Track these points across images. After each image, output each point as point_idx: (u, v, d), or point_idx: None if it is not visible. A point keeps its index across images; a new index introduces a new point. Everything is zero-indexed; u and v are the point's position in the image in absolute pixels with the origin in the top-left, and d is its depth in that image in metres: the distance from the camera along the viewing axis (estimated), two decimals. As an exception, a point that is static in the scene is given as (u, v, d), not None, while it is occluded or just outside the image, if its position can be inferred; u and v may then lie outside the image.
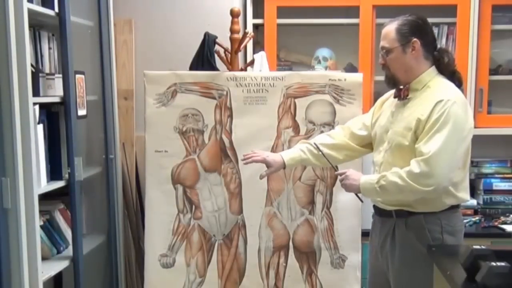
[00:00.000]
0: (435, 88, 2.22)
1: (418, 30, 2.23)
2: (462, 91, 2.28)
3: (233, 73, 2.74)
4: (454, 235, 2.24)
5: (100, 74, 2.95)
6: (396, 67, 2.27)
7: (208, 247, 2.76)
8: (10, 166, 2.12)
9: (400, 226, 2.28)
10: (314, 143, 2.46)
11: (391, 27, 2.25)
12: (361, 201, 2.42)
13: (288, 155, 2.47)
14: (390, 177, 2.17)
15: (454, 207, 2.26)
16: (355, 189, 2.30)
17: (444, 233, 2.23)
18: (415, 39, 2.21)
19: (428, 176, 2.10)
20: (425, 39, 2.23)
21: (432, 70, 2.26)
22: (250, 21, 3.27)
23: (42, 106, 2.37)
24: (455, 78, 2.27)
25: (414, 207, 2.24)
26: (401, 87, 2.29)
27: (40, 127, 2.34)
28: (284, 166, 2.47)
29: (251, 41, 3.09)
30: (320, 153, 2.43)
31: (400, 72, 2.27)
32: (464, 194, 2.26)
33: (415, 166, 2.12)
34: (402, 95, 2.28)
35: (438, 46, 2.33)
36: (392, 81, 2.31)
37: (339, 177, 2.36)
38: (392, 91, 2.37)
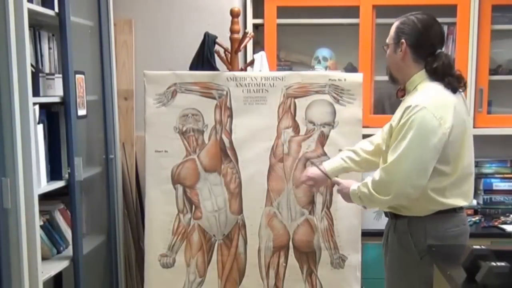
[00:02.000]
0: (417, 92, 2.20)
1: (411, 32, 2.20)
2: (460, 93, 2.25)
3: (233, 73, 2.74)
4: (442, 240, 2.19)
5: (100, 74, 2.95)
6: (389, 64, 2.33)
7: (208, 247, 2.76)
8: (10, 166, 2.12)
9: (392, 228, 2.31)
10: (311, 161, 2.58)
11: (394, 24, 2.28)
12: (364, 207, 2.44)
13: (329, 165, 2.50)
14: (361, 188, 2.22)
15: (445, 212, 2.21)
16: (348, 198, 2.34)
17: (428, 238, 2.19)
18: (403, 40, 2.21)
19: (386, 184, 2.12)
20: (417, 42, 2.20)
21: (423, 73, 2.22)
22: (250, 21, 3.27)
23: (42, 106, 2.38)
24: (449, 83, 2.19)
25: (400, 210, 2.25)
26: (400, 86, 2.33)
27: (40, 127, 2.34)
28: (329, 177, 2.50)
29: (251, 41, 3.09)
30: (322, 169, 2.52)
31: (393, 70, 2.32)
32: (455, 200, 2.20)
33: (376, 174, 2.16)
34: (398, 95, 2.33)
35: (440, 50, 2.26)
36: (390, 77, 2.37)
37: (336, 187, 2.41)
38: None
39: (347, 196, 2.34)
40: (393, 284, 2.34)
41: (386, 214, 2.38)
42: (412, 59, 2.22)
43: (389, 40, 2.28)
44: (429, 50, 2.22)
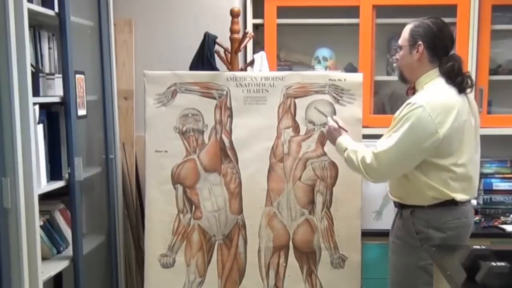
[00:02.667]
0: (423, 91, 2.30)
1: (427, 34, 2.29)
2: (466, 94, 2.30)
3: (233, 73, 2.74)
4: (443, 232, 2.29)
5: (100, 74, 2.95)
6: (402, 65, 2.41)
7: (208, 247, 2.76)
8: (10, 166, 2.12)
9: (398, 215, 2.43)
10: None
11: (408, 26, 2.36)
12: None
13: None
14: (351, 153, 2.33)
15: (446, 204, 2.29)
16: (332, 140, 2.48)
17: (429, 228, 2.29)
18: (420, 42, 2.29)
19: (373, 169, 2.26)
20: (433, 44, 2.29)
21: (432, 73, 2.31)
22: (250, 21, 3.27)
23: (42, 106, 2.38)
24: (459, 83, 2.28)
25: (405, 199, 2.37)
26: (410, 85, 2.42)
27: (40, 127, 2.34)
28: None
29: (251, 41, 3.09)
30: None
31: (406, 70, 2.40)
32: (454, 193, 2.28)
33: (368, 156, 2.26)
34: (408, 93, 2.41)
35: (452, 52, 2.34)
36: (401, 77, 2.46)
37: (328, 124, 2.52)
38: None
39: (332, 140, 2.47)
40: (395, 266, 2.44)
41: (395, 204, 2.47)
42: (428, 60, 2.31)
43: (402, 42, 2.36)
44: (443, 51, 2.31)
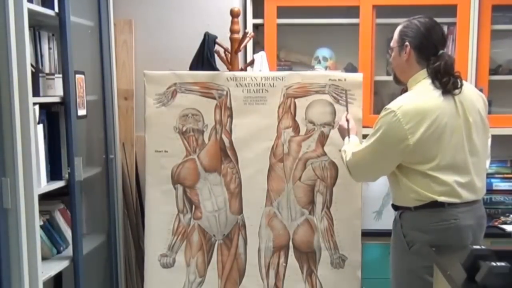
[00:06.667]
0: (405, 94, 2.30)
1: (415, 35, 2.27)
2: (453, 95, 2.23)
3: (233, 73, 2.74)
4: (427, 233, 2.24)
5: (100, 74, 2.96)
6: (393, 65, 2.41)
7: (208, 247, 2.76)
8: (10, 166, 2.12)
9: (393, 219, 2.43)
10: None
11: (398, 28, 2.34)
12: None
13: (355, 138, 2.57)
14: (342, 153, 2.41)
15: (433, 206, 2.23)
16: (342, 136, 2.55)
17: (414, 230, 2.27)
18: (407, 43, 2.27)
19: (350, 167, 2.34)
20: (421, 44, 2.26)
21: (420, 74, 2.28)
22: (250, 21, 3.27)
23: (42, 106, 2.38)
24: (443, 84, 2.22)
25: (395, 201, 2.38)
26: (404, 87, 2.40)
27: (40, 127, 2.34)
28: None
29: (251, 41, 3.10)
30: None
31: (397, 71, 2.40)
32: (438, 197, 2.21)
33: (349, 155, 2.34)
34: (401, 95, 2.35)
35: (442, 51, 2.28)
36: (394, 78, 2.45)
37: (346, 116, 2.55)
38: None
39: (342, 133, 2.54)
40: (391, 271, 2.43)
41: (392, 206, 2.46)
42: (416, 60, 2.28)
43: (393, 43, 2.36)
44: (432, 51, 2.27)
